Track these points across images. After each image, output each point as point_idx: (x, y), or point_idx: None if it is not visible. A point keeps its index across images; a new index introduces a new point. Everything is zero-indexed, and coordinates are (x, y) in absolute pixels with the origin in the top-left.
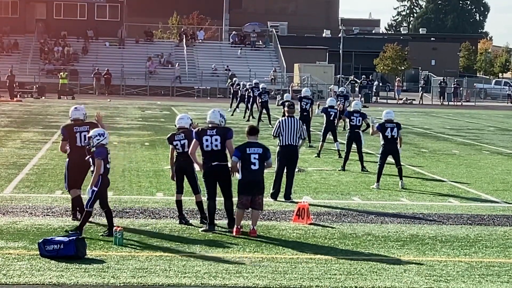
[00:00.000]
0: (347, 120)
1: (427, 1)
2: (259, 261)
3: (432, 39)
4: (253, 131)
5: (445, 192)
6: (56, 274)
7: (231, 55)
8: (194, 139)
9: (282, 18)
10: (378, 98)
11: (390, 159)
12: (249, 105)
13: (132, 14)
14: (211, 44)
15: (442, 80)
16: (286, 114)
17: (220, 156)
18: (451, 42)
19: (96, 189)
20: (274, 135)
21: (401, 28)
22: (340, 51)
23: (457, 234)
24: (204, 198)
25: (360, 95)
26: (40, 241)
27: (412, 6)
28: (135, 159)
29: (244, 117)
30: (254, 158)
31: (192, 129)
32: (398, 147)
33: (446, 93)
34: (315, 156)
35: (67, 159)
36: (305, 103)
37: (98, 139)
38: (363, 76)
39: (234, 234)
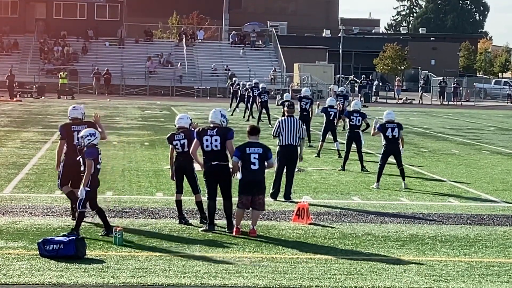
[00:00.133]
0: (347, 120)
1: (426, 1)
2: (259, 261)
3: (432, 39)
4: (254, 131)
5: (445, 192)
6: (56, 274)
7: (231, 55)
8: (195, 139)
9: (282, 18)
10: (378, 98)
11: (391, 159)
12: (249, 105)
13: (132, 14)
14: (211, 44)
15: (442, 80)
16: (286, 114)
17: (220, 156)
18: (451, 42)
19: (88, 189)
20: (274, 135)
21: (401, 28)
22: (340, 51)
23: (457, 234)
24: (204, 198)
25: (359, 95)
26: (40, 241)
27: (412, 6)
28: (135, 159)
29: (244, 117)
30: (254, 158)
31: (192, 129)
32: (400, 148)
33: (446, 93)
34: (315, 156)
35: (64, 157)
36: (304, 103)
37: (89, 139)
38: (363, 76)
39: (234, 234)
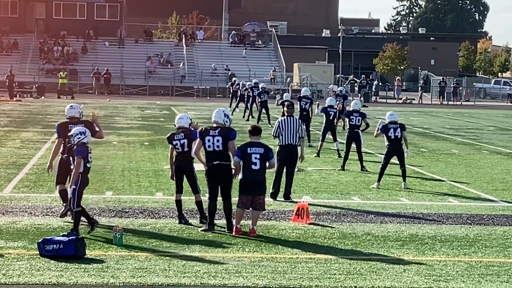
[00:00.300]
0: (347, 119)
1: (426, 0)
2: (259, 261)
3: (431, 38)
4: (256, 131)
5: (445, 191)
6: (55, 274)
7: (231, 55)
8: (198, 139)
9: (281, 18)
10: (378, 97)
11: (393, 160)
12: (249, 105)
13: (132, 14)
14: (211, 44)
15: (441, 80)
16: (286, 113)
17: (222, 156)
18: (450, 42)
19: (75, 187)
20: (274, 135)
21: (401, 28)
22: (340, 51)
23: (456, 233)
24: (204, 198)
25: (359, 94)
26: (40, 241)
27: (411, 6)
28: (135, 159)
29: (243, 117)
30: (255, 158)
31: (192, 129)
32: (406, 149)
33: (445, 93)
34: (315, 156)
35: (60, 156)
36: (304, 103)
37: (79, 138)
38: (362, 76)
39: (234, 233)
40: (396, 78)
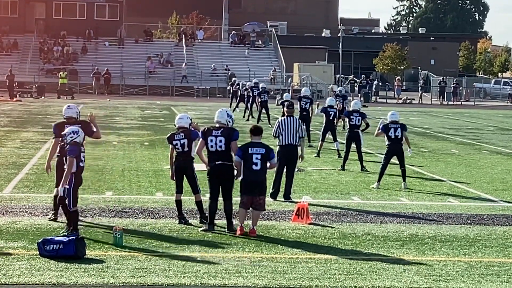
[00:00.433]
0: (346, 119)
1: (426, 0)
2: (259, 261)
3: (431, 38)
4: (257, 131)
5: (445, 191)
6: (55, 274)
7: (231, 55)
8: (201, 139)
9: (281, 18)
10: (378, 97)
11: (393, 160)
12: (249, 105)
13: (132, 14)
14: (211, 44)
15: (441, 80)
16: (286, 113)
17: (224, 156)
18: (450, 42)
19: (67, 187)
20: (274, 135)
21: (401, 28)
22: (340, 51)
23: (456, 233)
24: (204, 198)
25: (359, 94)
26: (40, 241)
27: (411, 6)
28: (135, 159)
29: (243, 117)
30: (256, 159)
31: (192, 129)
32: (408, 149)
33: (445, 93)
34: (315, 156)
35: (57, 157)
36: (304, 103)
37: (71, 137)
38: (362, 76)
39: (238, 233)
40: (396, 78)
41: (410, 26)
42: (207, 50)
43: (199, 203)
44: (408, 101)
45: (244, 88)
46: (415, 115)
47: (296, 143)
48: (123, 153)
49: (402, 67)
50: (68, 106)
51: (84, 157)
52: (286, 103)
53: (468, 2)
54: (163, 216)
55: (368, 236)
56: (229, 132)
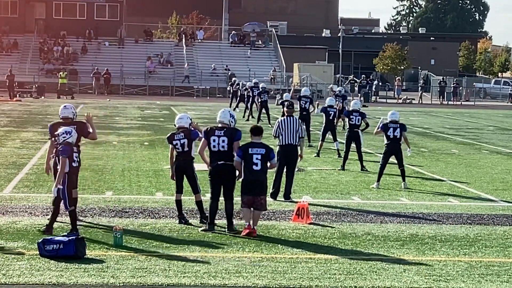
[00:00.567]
0: (346, 119)
1: (426, 0)
2: (259, 261)
3: (431, 38)
4: (257, 131)
5: (445, 191)
6: (55, 274)
7: (231, 55)
8: (203, 138)
9: (281, 18)
10: (378, 97)
11: (392, 159)
12: (249, 105)
13: (132, 14)
14: (211, 44)
15: (441, 80)
16: (286, 113)
17: (227, 156)
18: (450, 42)
19: (61, 187)
20: (275, 135)
21: (401, 28)
22: (340, 51)
23: (456, 233)
24: (204, 198)
25: (359, 94)
26: (40, 241)
27: (411, 6)
28: (135, 159)
29: (243, 117)
30: (257, 159)
31: (192, 129)
32: (407, 149)
33: (445, 93)
34: (315, 156)
35: (53, 158)
36: (304, 102)
37: (64, 137)
38: (362, 76)
39: (246, 232)
40: (396, 78)
41: (410, 26)
42: (207, 50)
43: (199, 203)
44: (408, 101)
45: (244, 88)
46: (415, 115)
47: (296, 143)
48: (123, 153)
49: (402, 67)
50: (65, 106)
51: (77, 157)
52: (286, 103)
53: (468, 2)
54: (163, 216)
55: (368, 236)
56: (232, 132)
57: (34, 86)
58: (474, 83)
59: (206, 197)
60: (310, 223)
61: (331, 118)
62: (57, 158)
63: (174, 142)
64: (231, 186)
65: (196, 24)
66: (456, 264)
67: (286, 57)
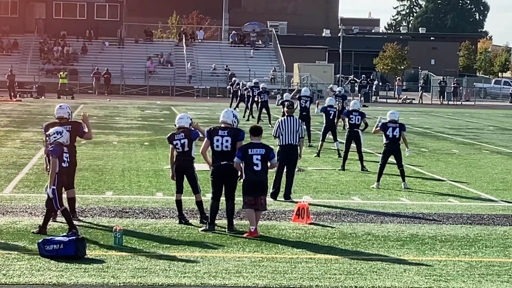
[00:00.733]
0: (346, 119)
1: (426, 0)
2: (259, 261)
3: (431, 38)
4: (256, 131)
5: (445, 191)
6: (56, 274)
7: (231, 54)
8: (206, 138)
9: (281, 18)
10: (378, 97)
11: (392, 159)
12: (249, 105)
13: (132, 14)
14: (211, 44)
15: (441, 80)
16: (286, 113)
17: (229, 156)
18: (450, 42)
19: (54, 187)
20: (275, 135)
21: (401, 28)
22: (340, 51)
23: (457, 233)
24: (204, 198)
25: (359, 94)
26: (40, 241)
27: (411, 6)
28: (135, 159)
29: (243, 117)
30: (257, 159)
31: (192, 129)
32: (406, 149)
33: (445, 93)
34: (315, 156)
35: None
36: (304, 101)
37: (55, 137)
38: (363, 76)
39: (253, 235)
40: (397, 78)
41: (410, 26)
42: (207, 50)
43: (199, 203)
44: (408, 101)
45: (245, 88)
46: (416, 115)
47: (296, 143)
48: (123, 153)
49: (402, 67)
50: (60, 106)
51: (67, 157)
52: (286, 103)
53: (468, 2)
54: (163, 216)
55: (369, 236)
56: (236, 132)
57: (34, 86)
58: (474, 83)
59: (206, 197)
60: (310, 223)
61: (331, 118)
62: (47, 158)
63: (175, 142)
64: (233, 186)
65: (196, 24)
66: (456, 264)
67: (286, 57)
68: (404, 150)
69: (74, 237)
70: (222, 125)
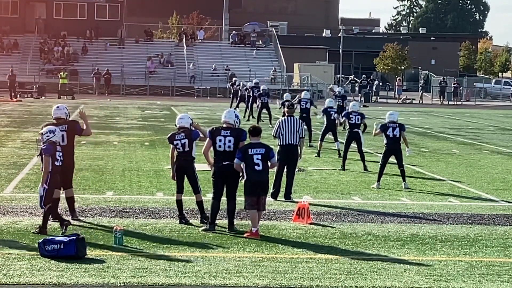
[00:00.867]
0: (346, 120)
1: (427, 0)
2: (259, 260)
3: (432, 38)
4: (256, 131)
5: (445, 191)
6: (56, 274)
7: (231, 55)
8: (208, 138)
9: (282, 18)
10: (378, 97)
11: (392, 159)
12: (249, 105)
13: (132, 14)
14: (211, 44)
15: (442, 80)
16: (286, 114)
17: (231, 156)
18: (451, 42)
19: (46, 186)
20: (274, 135)
21: (401, 28)
22: (340, 51)
23: (457, 233)
24: (205, 198)
25: (360, 94)
26: (40, 241)
27: (412, 6)
28: (135, 159)
29: (244, 117)
30: (257, 159)
31: (193, 129)
32: (407, 149)
33: (446, 93)
34: (315, 156)
35: None
36: (304, 102)
37: (47, 136)
38: (363, 76)
39: (253, 236)
40: (397, 78)
41: (410, 26)
42: (208, 50)
43: (199, 203)
44: (408, 101)
45: (245, 88)
46: (416, 115)
47: (297, 143)
48: (123, 153)
49: (403, 67)
50: (57, 106)
51: (60, 156)
52: (286, 103)
53: (468, 2)
54: (163, 216)
55: (369, 236)
56: (238, 132)
57: (34, 87)
58: (474, 83)
59: (207, 197)
60: (311, 223)
61: (332, 118)
62: (40, 156)
63: (175, 142)
64: (234, 186)
65: (197, 24)
66: (457, 264)
67: (286, 57)
68: (404, 150)
69: (74, 237)
70: (224, 125)
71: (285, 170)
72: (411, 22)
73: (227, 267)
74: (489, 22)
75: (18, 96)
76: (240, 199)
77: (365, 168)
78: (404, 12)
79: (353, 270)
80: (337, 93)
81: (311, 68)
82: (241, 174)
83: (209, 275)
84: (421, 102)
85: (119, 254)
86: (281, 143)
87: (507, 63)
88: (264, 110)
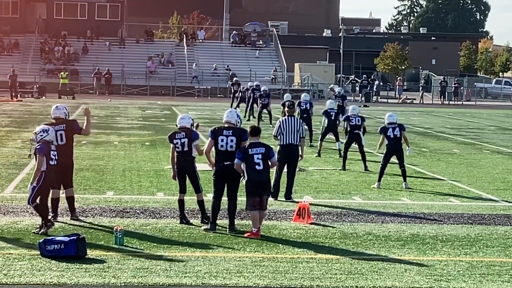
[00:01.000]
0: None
1: (427, 0)
2: (260, 260)
3: (432, 38)
4: (255, 131)
5: (446, 191)
6: (56, 274)
7: (232, 55)
8: (210, 138)
9: (282, 18)
10: (379, 97)
11: (393, 159)
12: (250, 105)
13: (133, 14)
14: (212, 44)
15: (442, 80)
16: (287, 113)
17: (233, 156)
18: (451, 42)
19: (35, 185)
20: (275, 135)
21: (402, 28)
22: (341, 51)
23: (457, 233)
24: (205, 198)
25: (360, 94)
26: (41, 241)
27: (412, 6)
28: (136, 159)
29: (244, 117)
30: (258, 158)
31: (194, 129)
32: (407, 148)
33: (446, 93)
34: (316, 156)
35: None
36: (304, 103)
37: (41, 135)
38: (364, 76)
39: (254, 236)
40: (397, 78)
41: (411, 25)
42: (208, 50)
43: (200, 202)
44: (408, 101)
45: (245, 88)
46: (416, 115)
47: (297, 143)
48: (124, 153)
49: (403, 67)
50: (56, 106)
51: (54, 155)
52: (287, 103)
53: (469, 1)
54: (164, 216)
55: (369, 236)
56: (240, 132)
57: (35, 86)
58: (475, 83)
59: (207, 197)
60: (311, 223)
61: (332, 119)
62: (34, 156)
63: (175, 141)
64: (235, 186)
65: (197, 24)
66: (457, 264)
67: (287, 57)
68: (405, 150)
69: (75, 237)
70: (226, 125)
71: (286, 170)
72: (412, 22)
73: (228, 267)
74: (489, 22)
75: (18, 96)
76: (241, 199)
77: (366, 168)
78: (404, 12)
79: (354, 270)
80: (337, 93)
81: (312, 68)
82: (241, 174)
83: (210, 275)
84: (421, 102)
85: (120, 254)
86: (282, 143)
87: (508, 63)
88: (265, 111)
